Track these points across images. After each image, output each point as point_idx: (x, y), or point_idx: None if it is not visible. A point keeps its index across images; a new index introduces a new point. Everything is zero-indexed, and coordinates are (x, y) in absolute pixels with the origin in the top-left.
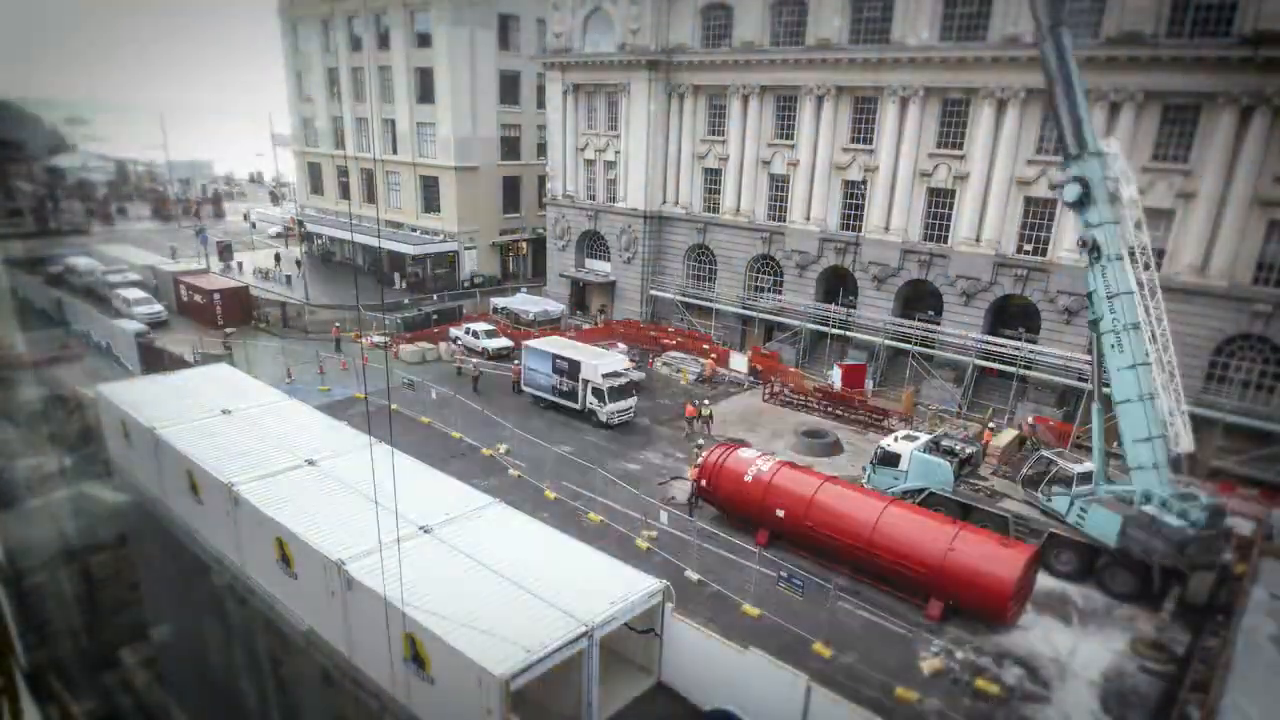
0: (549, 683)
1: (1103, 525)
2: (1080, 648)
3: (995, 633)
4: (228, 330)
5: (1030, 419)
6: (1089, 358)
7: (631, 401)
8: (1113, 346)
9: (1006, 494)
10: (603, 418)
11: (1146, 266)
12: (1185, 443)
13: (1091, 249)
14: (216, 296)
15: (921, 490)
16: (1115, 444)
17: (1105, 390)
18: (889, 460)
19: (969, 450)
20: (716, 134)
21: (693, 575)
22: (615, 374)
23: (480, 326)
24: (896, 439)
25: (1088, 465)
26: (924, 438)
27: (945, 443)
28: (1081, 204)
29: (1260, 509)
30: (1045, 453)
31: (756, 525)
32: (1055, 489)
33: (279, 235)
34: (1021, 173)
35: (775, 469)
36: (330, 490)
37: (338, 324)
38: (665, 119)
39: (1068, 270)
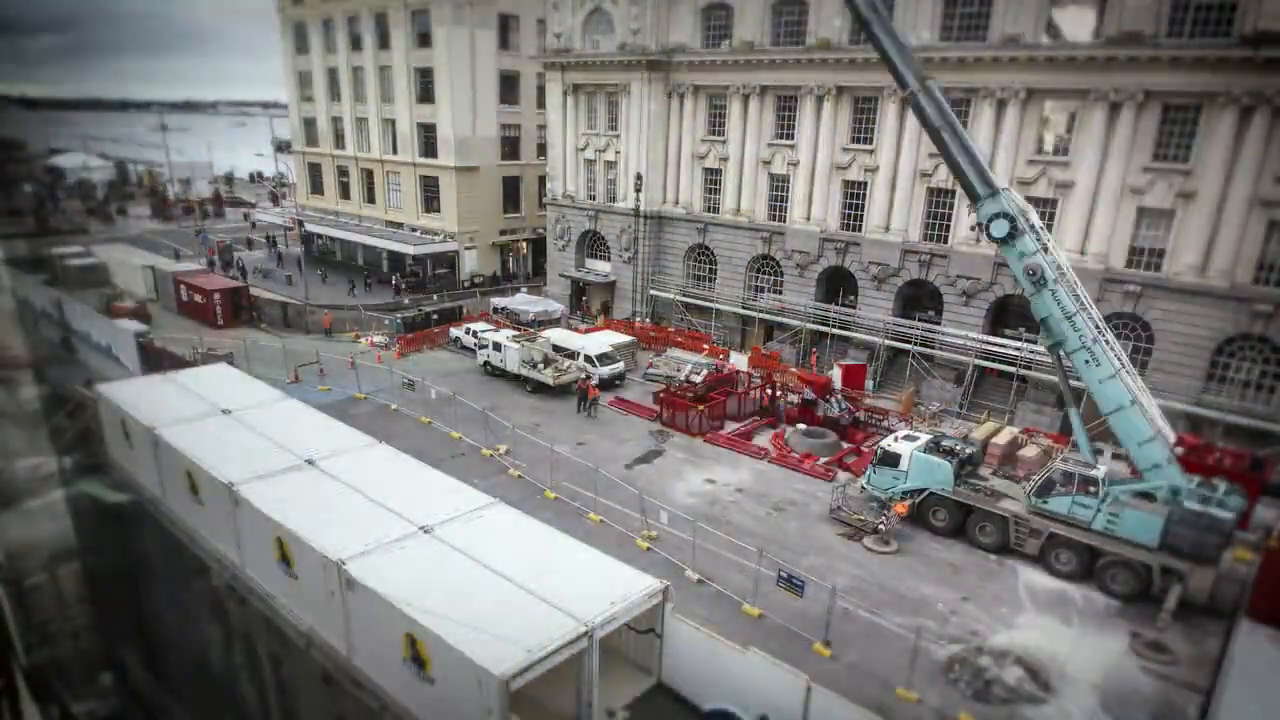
0: (549, 683)
1: (1141, 527)
2: (1080, 647)
3: (996, 633)
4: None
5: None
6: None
7: None
8: (1087, 363)
9: (1007, 494)
10: None
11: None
12: (1169, 432)
13: (1038, 278)
14: (216, 296)
15: (922, 490)
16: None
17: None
18: (889, 460)
19: (969, 450)
20: (716, 134)
21: (693, 575)
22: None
23: (479, 326)
24: (897, 439)
25: (1103, 468)
26: (924, 438)
27: (945, 443)
28: (1011, 237)
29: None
30: (1061, 463)
31: None
32: (1077, 498)
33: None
34: (1021, 173)
35: None
36: (330, 490)
37: (328, 312)
38: (665, 119)
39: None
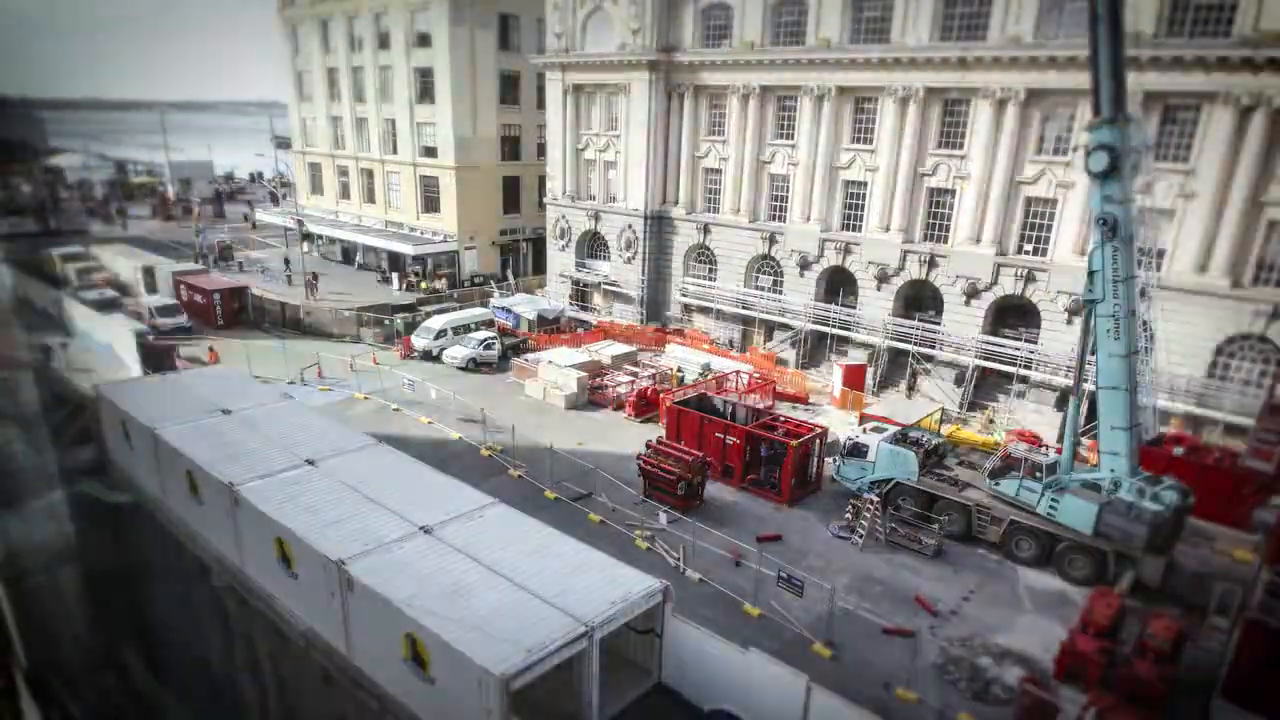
0: (549, 683)
1: (1077, 514)
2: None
3: (996, 632)
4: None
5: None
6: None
7: None
8: (1108, 332)
9: (971, 483)
10: None
11: (1145, 253)
12: (1152, 433)
13: (1109, 228)
14: (216, 296)
15: (889, 480)
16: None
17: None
18: (857, 451)
19: (934, 441)
20: (716, 134)
21: (693, 575)
22: None
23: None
24: (865, 430)
25: (1055, 456)
26: (891, 429)
27: (912, 434)
28: (1106, 176)
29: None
30: (1013, 448)
31: None
32: (1025, 482)
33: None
34: (1022, 173)
35: None
36: (330, 490)
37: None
38: (665, 119)
39: (1068, 270)
